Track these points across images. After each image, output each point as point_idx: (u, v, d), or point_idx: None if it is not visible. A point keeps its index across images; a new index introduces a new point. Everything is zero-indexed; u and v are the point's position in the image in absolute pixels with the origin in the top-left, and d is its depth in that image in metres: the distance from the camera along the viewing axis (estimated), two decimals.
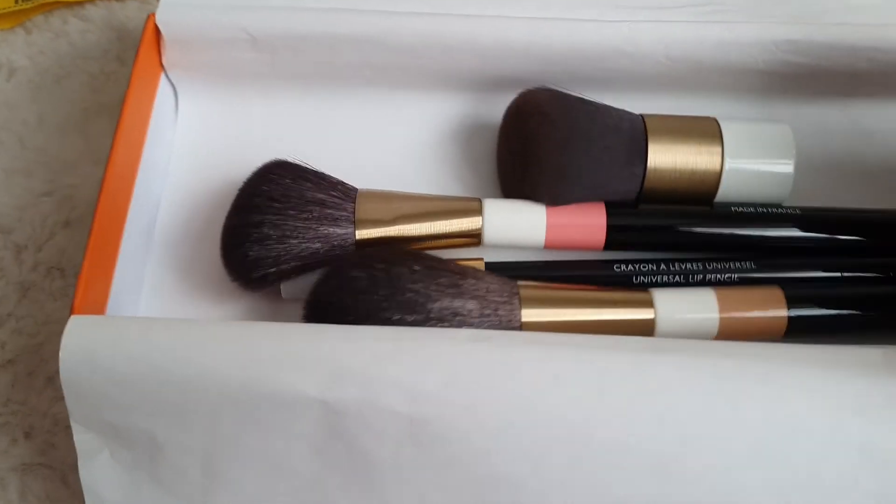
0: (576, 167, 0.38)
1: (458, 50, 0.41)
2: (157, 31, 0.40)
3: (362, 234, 0.37)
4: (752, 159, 0.40)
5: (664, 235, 0.40)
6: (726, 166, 0.39)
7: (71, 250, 0.42)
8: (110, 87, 0.46)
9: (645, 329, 0.36)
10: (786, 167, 0.40)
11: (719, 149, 0.39)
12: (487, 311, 0.35)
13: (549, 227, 0.38)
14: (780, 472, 0.31)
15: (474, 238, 0.38)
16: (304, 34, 0.40)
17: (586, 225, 0.38)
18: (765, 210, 0.39)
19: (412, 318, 0.34)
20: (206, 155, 0.42)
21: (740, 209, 0.39)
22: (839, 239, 0.40)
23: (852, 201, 0.41)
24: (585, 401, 0.31)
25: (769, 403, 0.31)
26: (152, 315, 0.39)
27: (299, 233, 0.36)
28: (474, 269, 0.37)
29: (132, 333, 0.32)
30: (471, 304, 0.35)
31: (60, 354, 0.31)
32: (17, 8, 0.47)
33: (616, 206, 0.39)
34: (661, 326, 0.36)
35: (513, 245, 0.39)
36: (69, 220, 0.42)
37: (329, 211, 0.36)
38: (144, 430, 0.32)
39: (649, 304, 0.36)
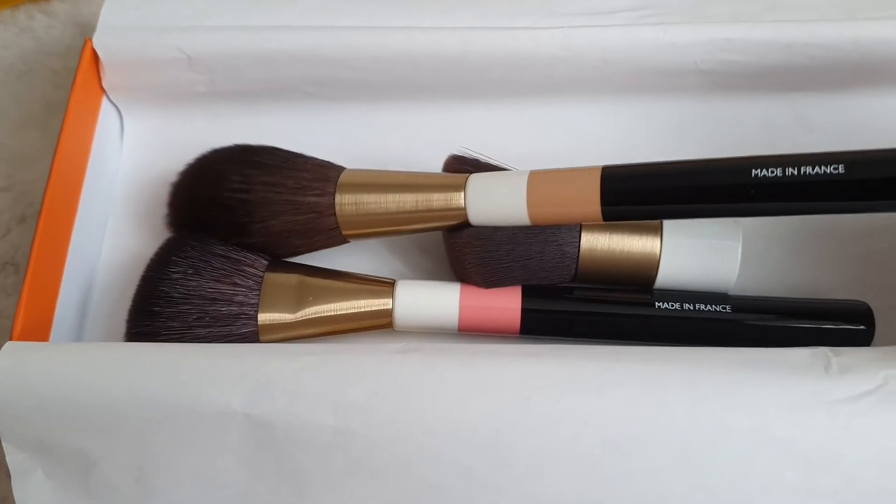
0: (505, 279, 0.37)
1: (394, 61, 0.41)
2: (96, 55, 0.40)
3: (265, 319, 0.36)
4: (695, 243, 0.37)
5: (582, 321, 0.37)
6: (665, 249, 0.37)
7: (25, 246, 0.42)
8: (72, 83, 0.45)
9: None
10: (732, 251, 0.37)
11: (658, 232, 0.37)
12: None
13: (462, 309, 0.36)
14: (706, 473, 0.30)
15: (385, 319, 0.37)
16: (239, 52, 0.40)
17: (501, 308, 0.37)
18: (691, 307, 0.37)
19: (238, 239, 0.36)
20: (152, 175, 0.42)
21: (664, 304, 0.37)
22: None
23: None
24: (509, 408, 0.31)
25: (694, 405, 0.30)
26: (98, 337, 0.39)
27: (199, 339, 0.35)
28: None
29: (63, 356, 0.32)
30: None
31: None
32: None
33: (533, 289, 0.37)
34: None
35: (426, 328, 0.37)
36: (25, 215, 0.43)
37: (231, 308, 0.35)
38: (77, 449, 0.32)
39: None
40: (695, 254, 0.37)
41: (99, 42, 0.39)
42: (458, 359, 0.32)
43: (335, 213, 0.36)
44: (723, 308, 0.37)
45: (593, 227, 0.37)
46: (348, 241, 0.38)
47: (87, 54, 0.39)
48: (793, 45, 0.41)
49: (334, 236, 0.37)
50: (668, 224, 0.37)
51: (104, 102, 0.41)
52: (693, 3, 0.43)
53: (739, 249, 0.37)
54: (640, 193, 0.33)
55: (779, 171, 0.31)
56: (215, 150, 0.39)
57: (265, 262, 0.37)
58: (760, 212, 0.33)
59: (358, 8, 0.42)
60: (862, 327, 0.37)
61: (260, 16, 0.41)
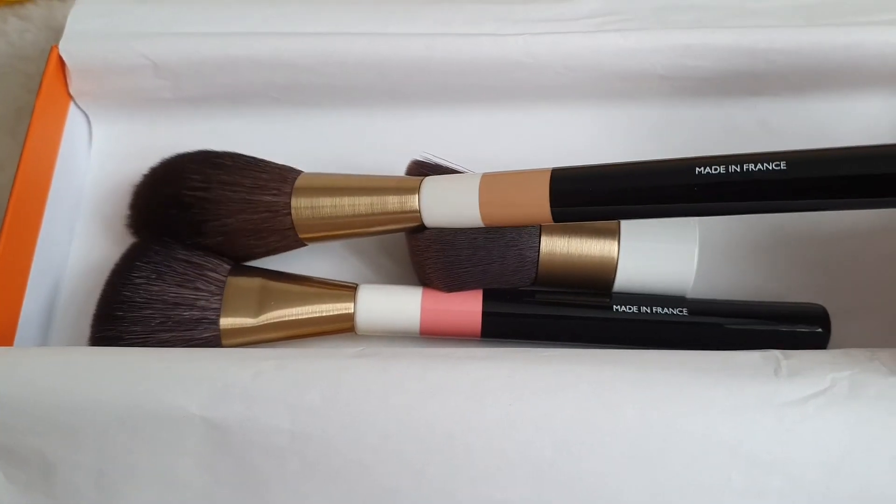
0: (466, 283, 0.37)
1: (358, 66, 0.41)
2: (62, 61, 0.40)
3: (227, 324, 0.36)
4: (652, 247, 0.37)
5: (542, 324, 0.38)
6: (622, 253, 0.37)
7: None
8: None
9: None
10: (689, 255, 0.37)
11: (616, 236, 0.37)
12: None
13: (423, 312, 0.37)
14: (656, 475, 0.31)
15: (347, 323, 0.37)
16: (204, 58, 0.40)
17: (462, 311, 0.37)
18: (648, 310, 0.37)
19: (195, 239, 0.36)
20: (120, 181, 0.42)
21: (622, 307, 0.37)
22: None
23: None
24: (463, 411, 0.31)
25: (643, 407, 0.31)
26: (63, 342, 0.39)
27: (161, 342, 0.35)
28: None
29: (24, 360, 0.33)
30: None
31: None
32: None
33: (494, 293, 0.37)
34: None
35: (388, 332, 0.38)
36: None
37: (193, 313, 0.36)
38: (36, 451, 0.32)
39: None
40: (652, 256, 0.37)
41: (65, 49, 0.39)
42: (413, 363, 0.32)
43: (290, 214, 0.36)
44: (680, 311, 0.37)
45: (552, 232, 0.37)
46: (305, 245, 0.38)
47: (54, 60, 0.39)
48: (753, 50, 0.41)
49: (290, 237, 0.37)
50: (625, 227, 0.37)
51: (71, 108, 0.41)
52: (656, 9, 0.43)
53: (696, 252, 0.37)
54: (588, 195, 0.33)
55: (722, 169, 0.31)
56: (179, 154, 0.39)
57: (228, 268, 0.37)
58: (706, 211, 0.32)
59: (323, 14, 0.42)
60: (818, 330, 0.37)
61: (225, 23, 0.41)
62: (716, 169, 0.31)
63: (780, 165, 0.31)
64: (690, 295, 0.38)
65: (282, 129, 0.43)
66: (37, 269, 0.38)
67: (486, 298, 0.37)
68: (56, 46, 0.39)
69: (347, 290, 0.37)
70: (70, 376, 0.32)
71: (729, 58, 0.41)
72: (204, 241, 0.37)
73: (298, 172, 0.37)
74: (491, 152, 0.42)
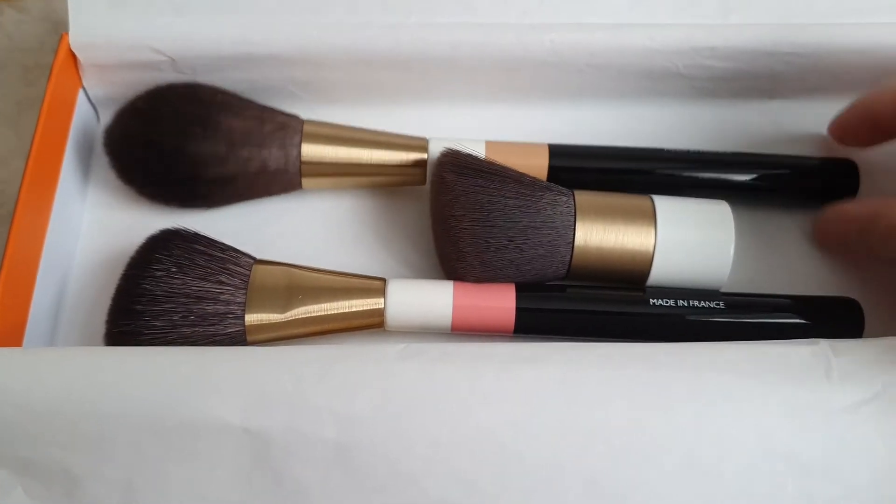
0: (500, 261, 0.35)
1: (382, 63, 0.39)
2: (72, 52, 0.37)
3: (253, 320, 0.34)
4: (688, 240, 0.36)
5: (577, 319, 0.36)
6: (659, 246, 0.36)
7: None
8: (45, 80, 0.42)
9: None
10: (725, 249, 0.36)
11: (652, 228, 0.36)
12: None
13: (455, 309, 0.35)
14: (711, 483, 0.29)
15: (376, 319, 0.35)
16: (223, 54, 0.38)
17: (495, 307, 0.35)
18: (685, 304, 0.36)
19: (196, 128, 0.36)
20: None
21: (658, 301, 0.35)
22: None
23: None
24: (514, 419, 0.29)
25: (698, 415, 0.29)
26: (70, 343, 0.36)
27: (183, 338, 0.33)
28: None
29: (45, 363, 0.30)
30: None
31: None
32: None
33: (527, 287, 0.36)
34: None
35: (418, 328, 0.36)
36: None
37: (217, 307, 0.33)
38: (60, 464, 0.29)
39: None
40: (688, 250, 0.36)
41: (76, 42, 0.37)
42: (462, 367, 0.30)
43: (301, 131, 0.37)
44: (716, 304, 0.36)
45: (586, 217, 0.36)
46: (301, 186, 0.38)
47: (63, 51, 0.36)
48: (775, 52, 0.40)
49: (292, 170, 0.37)
50: (661, 216, 0.36)
51: (80, 100, 0.38)
52: None
53: (732, 247, 0.36)
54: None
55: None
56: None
57: (251, 261, 0.35)
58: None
59: (338, 1, 0.40)
60: (852, 322, 0.37)
61: (233, 8, 0.39)
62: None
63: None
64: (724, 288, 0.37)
65: None
66: (45, 266, 0.35)
67: (520, 293, 0.35)
68: (66, 35, 0.36)
69: (377, 284, 0.35)
70: (97, 381, 0.29)
71: (750, 59, 0.40)
72: (205, 132, 0.36)
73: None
74: None
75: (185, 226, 0.35)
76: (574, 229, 0.35)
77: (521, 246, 0.35)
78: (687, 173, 0.39)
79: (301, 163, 0.37)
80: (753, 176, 0.39)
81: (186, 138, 0.36)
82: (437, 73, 0.40)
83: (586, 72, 0.40)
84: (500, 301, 0.35)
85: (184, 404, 0.29)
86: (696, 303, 0.35)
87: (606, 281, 0.37)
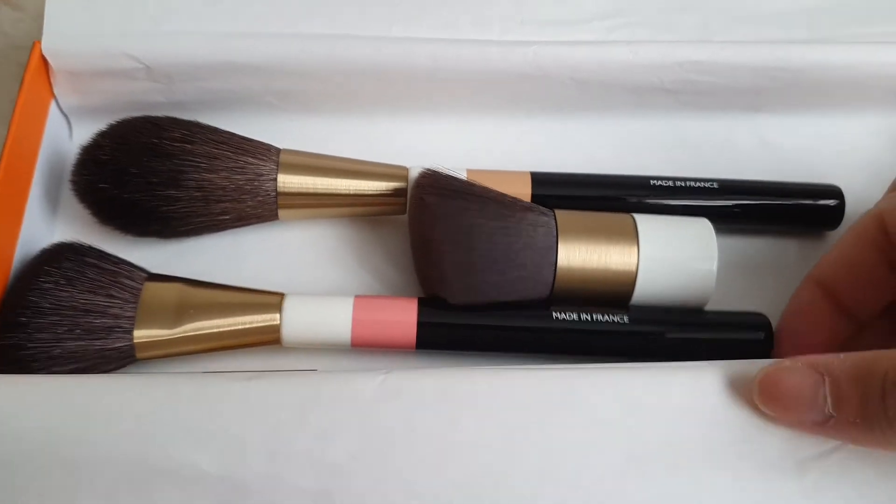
0: (482, 283, 0.34)
1: (362, 75, 0.38)
2: (45, 60, 0.36)
3: (141, 336, 0.33)
4: (671, 256, 0.35)
5: (480, 335, 0.35)
6: (642, 263, 0.35)
7: None
8: None
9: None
10: (708, 264, 0.35)
11: (635, 246, 0.35)
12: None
13: (355, 324, 0.34)
14: None
15: (272, 335, 0.34)
16: (201, 63, 0.37)
17: (396, 322, 0.34)
18: (588, 318, 0.35)
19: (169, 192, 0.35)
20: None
21: (561, 315, 0.35)
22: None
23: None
24: (491, 469, 0.29)
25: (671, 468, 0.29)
26: None
27: (69, 352, 0.32)
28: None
29: (11, 399, 0.29)
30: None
31: None
32: None
33: (429, 302, 0.35)
34: None
35: (318, 345, 0.35)
36: None
37: (105, 321, 0.33)
38: None
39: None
40: (671, 267, 0.36)
41: (48, 48, 0.36)
42: (440, 410, 0.30)
43: (276, 179, 0.36)
44: (621, 319, 0.35)
45: (568, 239, 0.35)
46: (277, 218, 0.37)
47: (36, 58, 0.36)
48: (759, 67, 0.39)
49: (269, 204, 0.36)
50: (643, 234, 0.35)
51: (52, 110, 0.38)
52: (662, 10, 0.41)
53: (716, 262, 0.36)
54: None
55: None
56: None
57: (144, 275, 0.34)
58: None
59: (318, 12, 0.39)
60: (761, 337, 0.36)
61: (214, 20, 0.38)
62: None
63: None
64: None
65: (279, 136, 0.39)
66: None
67: (422, 307, 0.35)
68: (38, 43, 0.36)
69: (273, 299, 0.34)
70: (70, 428, 0.28)
71: (734, 73, 0.39)
72: (178, 193, 0.35)
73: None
74: (494, 162, 0.39)
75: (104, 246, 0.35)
76: (556, 250, 0.35)
77: (503, 269, 0.34)
78: (671, 201, 0.38)
79: (278, 194, 0.36)
80: (739, 202, 0.39)
81: (157, 201, 0.35)
82: (417, 86, 0.39)
83: (570, 86, 0.39)
84: (402, 315, 0.34)
85: (159, 453, 0.28)
86: (599, 316, 0.35)
87: (590, 300, 0.36)
